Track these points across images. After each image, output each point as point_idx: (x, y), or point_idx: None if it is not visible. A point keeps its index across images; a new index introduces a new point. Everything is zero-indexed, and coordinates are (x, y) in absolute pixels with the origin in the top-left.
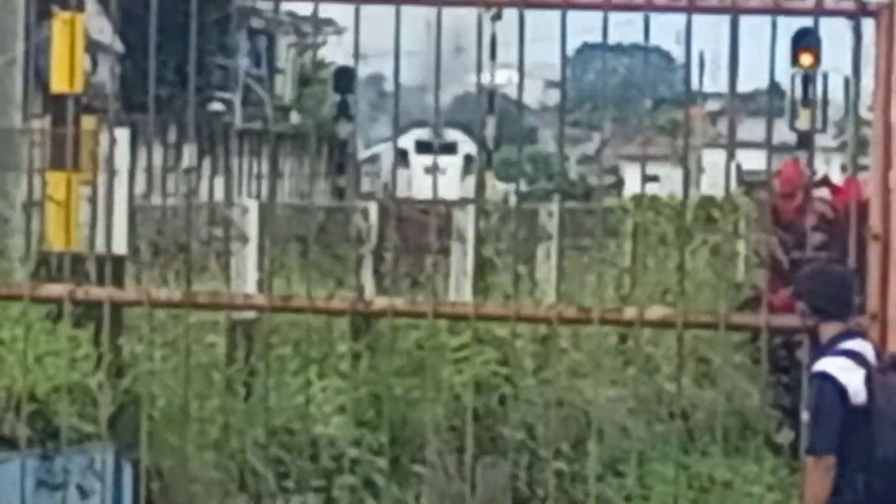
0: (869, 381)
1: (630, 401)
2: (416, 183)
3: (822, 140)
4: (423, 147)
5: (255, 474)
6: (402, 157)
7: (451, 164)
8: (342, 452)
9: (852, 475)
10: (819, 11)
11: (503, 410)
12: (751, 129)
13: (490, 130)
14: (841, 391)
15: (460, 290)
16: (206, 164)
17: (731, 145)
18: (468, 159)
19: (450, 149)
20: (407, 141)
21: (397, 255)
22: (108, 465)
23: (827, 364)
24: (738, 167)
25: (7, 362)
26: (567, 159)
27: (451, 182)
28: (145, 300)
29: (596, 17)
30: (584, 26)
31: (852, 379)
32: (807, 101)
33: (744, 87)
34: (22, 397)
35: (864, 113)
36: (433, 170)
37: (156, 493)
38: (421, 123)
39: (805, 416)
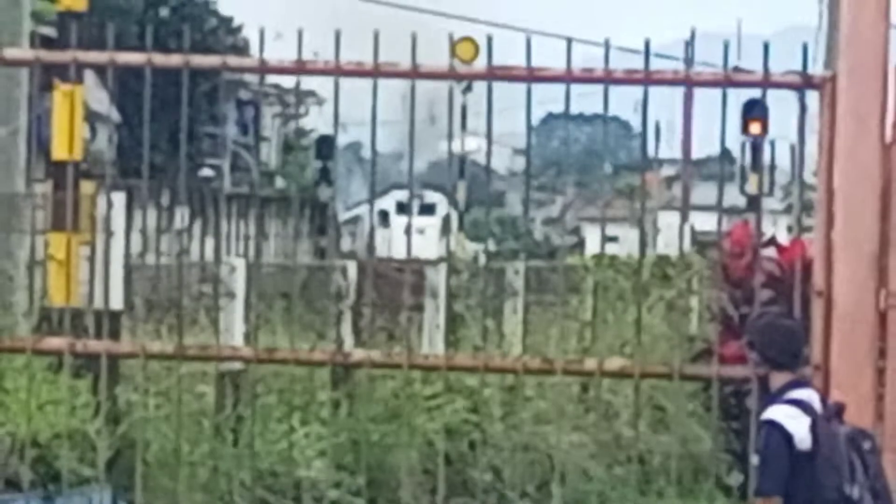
0: (814, 428)
1: (591, 445)
2: (397, 242)
3: (769, 203)
4: (403, 208)
5: None
6: (383, 217)
7: (431, 224)
8: (323, 494)
9: None
10: (766, 84)
11: (473, 454)
12: (703, 192)
13: (461, 194)
14: (788, 438)
15: (433, 343)
16: (197, 225)
17: (685, 208)
18: (447, 220)
19: (429, 210)
20: (388, 202)
21: (374, 310)
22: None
23: (775, 412)
24: (692, 228)
25: (11, 410)
26: (532, 221)
27: (430, 241)
28: (140, 352)
29: (559, 88)
30: (548, 97)
31: (798, 426)
32: (755, 166)
33: (697, 153)
34: (25, 442)
35: (809, 178)
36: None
37: None
38: (402, 186)
39: (754, 459)
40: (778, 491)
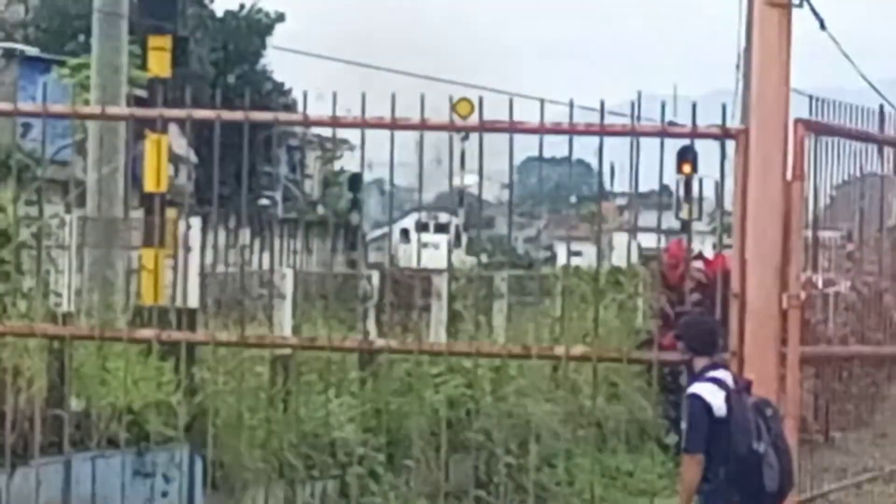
0: (728, 399)
1: (559, 413)
2: (415, 253)
3: (698, 226)
4: (420, 227)
5: (290, 466)
6: (405, 234)
7: (443, 239)
8: (352, 451)
9: (716, 468)
10: (695, 135)
11: (468, 420)
12: (647, 218)
13: (460, 219)
14: (707, 407)
15: (437, 334)
16: (257, 243)
17: (633, 230)
18: (458, 235)
19: (443, 228)
20: (409, 222)
21: (392, 308)
22: (185, 459)
23: (697, 388)
24: (638, 245)
25: (111, 385)
26: (515, 239)
27: (443, 254)
28: (211, 341)
29: (534, 138)
30: (527, 145)
31: (716, 398)
32: (687, 198)
33: (642, 188)
34: (122, 410)
35: (728, 207)
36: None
37: (219, 480)
38: (420, 209)
39: (684, 425)
40: (701, 449)
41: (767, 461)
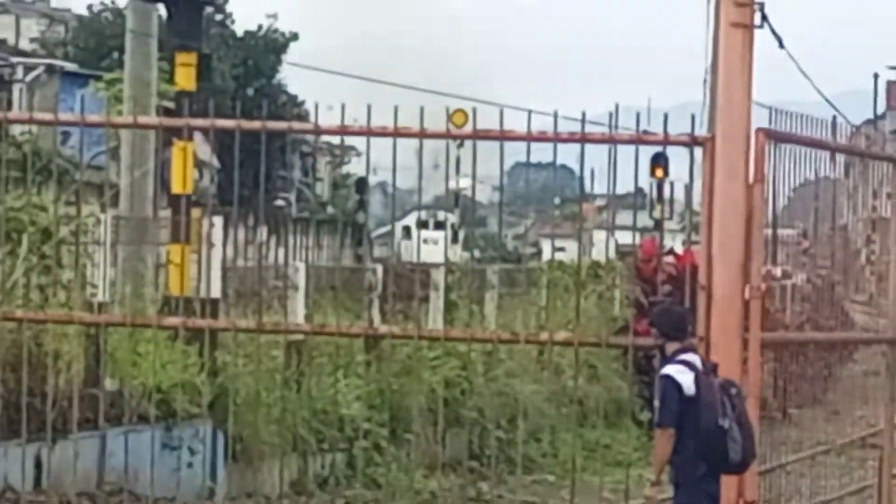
0: (696, 380)
1: (544, 393)
2: (416, 247)
3: (669, 225)
4: (421, 224)
5: (302, 440)
6: (406, 231)
7: (441, 236)
8: (359, 426)
9: (686, 441)
10: (666, 142)
11: (463, 399)
12: (624, 217)
13: (456, 218)
14: (678, 387)
15: (435, 321)
16: (273, 240)
17: (611, 228)
18: (455, 232)
19: (441, 225)
20: (410, 220)
21: (394, 298)
22: (208, 434)
23: (669, 369)
24: (616, 242)
25: (142, 367)
26: (505, 236)
27: (441, 249)
28: (232, 327)
29: (522, 145)
30: (516, 151)
31: (685, 379)
32: (660, 199)
33: (619, 190)
34: (152, 389)
35: (696, 207)
36: (419, 241)
37: (238, 453)
38: (420, 208)
39: (656, 402)
40: (672, 424)
41: (732, 436)
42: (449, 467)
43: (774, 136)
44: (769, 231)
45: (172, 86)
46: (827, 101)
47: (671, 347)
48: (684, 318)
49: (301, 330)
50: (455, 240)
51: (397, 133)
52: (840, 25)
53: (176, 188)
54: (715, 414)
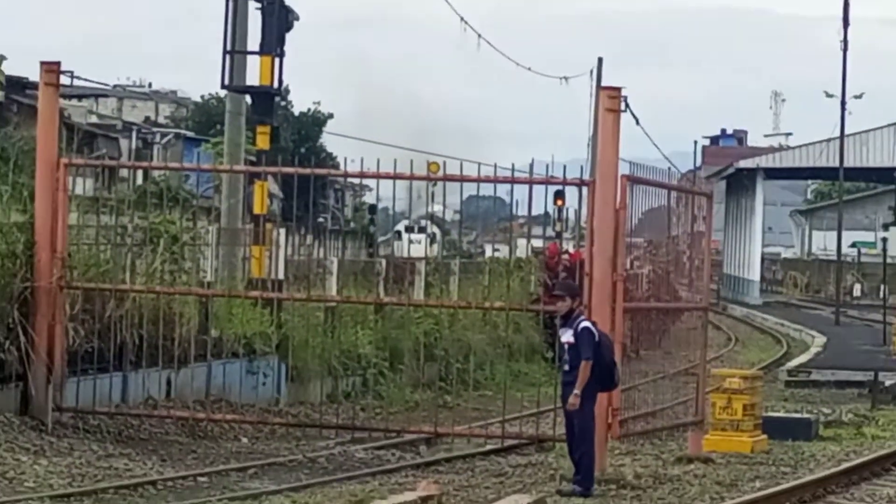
0: (599, 332)
1: (487, 340)
2: (405, 247)
3: (566, 235)
4: (409, 229)
5: (334, 368)
6: (398, 234)
7: (423, 238)
8: (369, 360)
9: (594, 369)
10: (564, 183)
11: (435, 343)
12: (537, 230)
13: (431, 230)
14: (593, 334)
15: (419, 294)
16: (316, 243)
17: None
18: (433, 236)
19: (423, 230)
20: (401, 226)
21: (393, 280)
22: (275, 364)
23: (587, 324)
24: (532, 246)
25: (234, 322)
26: (462, 242)
27: (423, 248)
28: (291, 298)
29: (475, 185)
30: (470, 188)
31: (595, 330)
32: (560, 219)
33: (535, 212)
34: (240, 336)
35: (583, 224)
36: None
37: (294, 376)
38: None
39: (563, 337)
40: (592, 358)
41: (616, 368)
42: (426, 386)
43: (632, 180)
44: (629, 239)
45: (254, 146)
46: (665, 157)
47: (574, 304)
48: (577, 290)
49: (334, 299)
50: (432, 243)
51: (395, 176)
52: (674, 110)
53: (256, 210)
54: (610, 353)
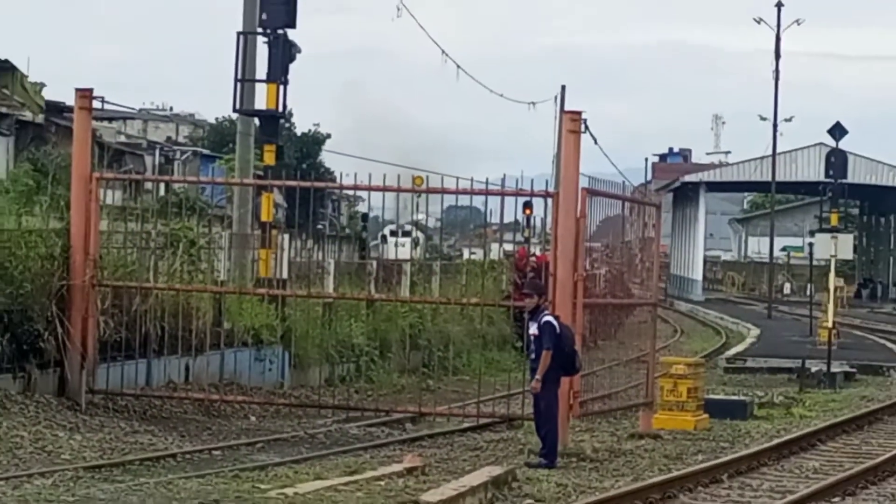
0: (560, 324)
1: (464, 331)
2: (392, 250)
3: (533, 240)
4: (394, 233)
5: (331, 356)
6: (384, 238)
7: (407, 241)
8: (362, 348)
9: (555, 357)
10: (532, 194)
11: (419, 334)
12: (508, 236)
13: (415, 235)
14: (554, 327)
15: (405, 292)
16: (316, 247)
17: (501, 241)
18: (416, 240)
19: (408, 234)
20: (386, 230)
21: (382, 279)
22: (280, 352)
23: (550, 318)
24: (503, 249)
25: (244, 316)
26: (443, 246)
27: (408, 250)
28: (294, 294)
29: (454, 196)
30: (449, 199)
31: (556, 323)
32: (528, 226)
33: (506, 220)
34: (249, 328)
35: (549, 231)
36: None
37: (296, 363)
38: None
39: (532, 329)
40: (552, 347)
41: (577, 355)
42: (411, 371)
43: (591, 192)
44: (588, 244)
45: (262, 162)
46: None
47: (541, 301)
48: (542, 287)
49: (331, 296)
50: (416, 246)
51: (385, 189)
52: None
53: (263, 218)
54: (571, 343)
